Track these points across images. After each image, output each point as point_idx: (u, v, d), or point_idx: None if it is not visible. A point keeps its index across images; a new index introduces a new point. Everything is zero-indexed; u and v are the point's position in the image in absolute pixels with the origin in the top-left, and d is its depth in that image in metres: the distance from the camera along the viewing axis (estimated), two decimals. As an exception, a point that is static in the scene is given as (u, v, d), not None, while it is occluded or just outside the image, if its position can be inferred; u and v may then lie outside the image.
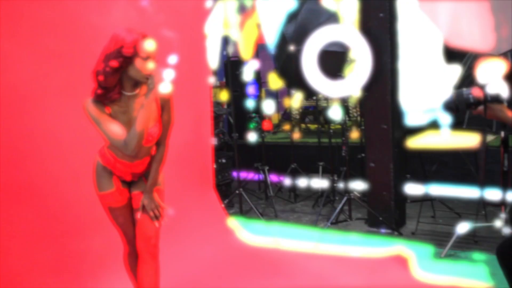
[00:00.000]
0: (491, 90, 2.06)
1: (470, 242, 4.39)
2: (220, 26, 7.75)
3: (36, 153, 3.33)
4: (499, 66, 2.08)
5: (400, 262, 4.04)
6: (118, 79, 2.63)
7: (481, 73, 2.09)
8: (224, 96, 7.93)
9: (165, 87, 2.70)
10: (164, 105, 2.77)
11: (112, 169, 2.85)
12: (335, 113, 8.14)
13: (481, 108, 2.08)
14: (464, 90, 2.13)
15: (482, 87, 2.08)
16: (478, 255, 4.13)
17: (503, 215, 4.12)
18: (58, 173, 3.44)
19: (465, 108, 2.14)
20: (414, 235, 4.68)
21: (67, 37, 3.47)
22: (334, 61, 5.02)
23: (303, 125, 8.16)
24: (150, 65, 2.61)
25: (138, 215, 2.87)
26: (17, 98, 3.23)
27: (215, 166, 5.72)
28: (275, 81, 7.67)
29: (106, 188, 2.85)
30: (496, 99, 2.05)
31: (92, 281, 3.49)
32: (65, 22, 3.46)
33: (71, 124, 3.45)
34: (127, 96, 2.69)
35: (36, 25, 3.30)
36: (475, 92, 2.08)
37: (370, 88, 4.83)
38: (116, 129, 2.63)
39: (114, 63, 2.55)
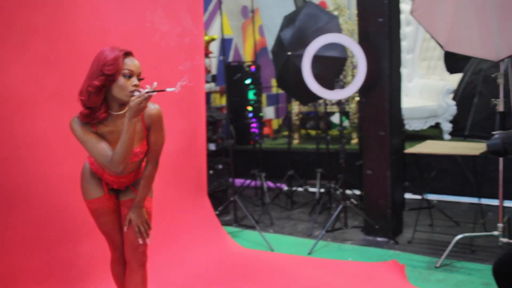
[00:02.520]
0: None
1: (466, 252, 4.31)
2: (221, 30, 7.72)
3: (25, 159, 3.28)
4: None
5: (396, 271, 3.96)
6: (103, 99, 2.55)
7: None
8: (223, 101, 7.91)
9: (152, 106, 2.64)
10: (151, 125, 2.67)
11: (100, 176, 2.80)
12: (336, 119, 8.12)
13: None
14: None
15: None
16: (474, 265, 4.04)
17: (501, 225, 4.05)
18: (48, 179, 3.39)
19: None
20: (410, 244, 4.60)
21: (58, 42, 3.42)
22: (331, 66, 4.94)
23: (303, 131, 8.10)
24: (133, 83, 2.52)
25: (125, 228, 2.81)
26: (7, 103, 3.18)
27: (211, 172, 5.67)
28: (276, 86, 7.63)
29: (95, 194, 2.79)
30: None
31: (79, 287, 3.43)
32: (56, 27, 3.41)
33: (62, 130, 3.38)
34: (114, 116, 2.61)
35: (26, 30, 3.25)
36: None
37: (368, 94, 4.77)
38: (101, 150, 2.56)
39: (96, 82, 2.48)
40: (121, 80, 2.50)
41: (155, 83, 2.44)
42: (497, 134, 2.03)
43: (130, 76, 2.52)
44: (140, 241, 2.80)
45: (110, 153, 2.55)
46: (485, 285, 3.67)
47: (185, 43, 4.38)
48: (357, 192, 5.92)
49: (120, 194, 2.89)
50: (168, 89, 2.42)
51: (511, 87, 4.01)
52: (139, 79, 2.55)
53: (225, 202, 5.62)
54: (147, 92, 2.41)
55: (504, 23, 3.70)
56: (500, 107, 3.94)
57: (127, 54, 2.55)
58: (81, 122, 2.57)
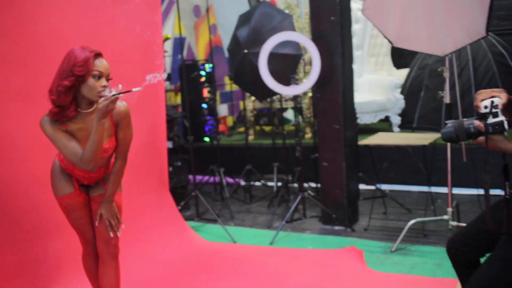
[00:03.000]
0: (491, 121, 2.11)
1: (419, 236, 4.56)
2: (174, 29, 7.82)
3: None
4: (499, 97, 2.14)
5: (354, 256, 4.16)
6: (72, 97, 2.64)
7: (482, 104, 2.14)
8: (178, 99, 8.00)
9: (120, 104, 2.74)
10: (119, 121, 2.78)
11: (70, 173, 2.88)
12: (289, 115, 8.32)
13: (481, 138, 2.14)
14: (465, 120, 2.18)
15: (482, 118, 2.14)
16: (427, 248, 4.29)
17: (450, 209, 4.30)
18: (16, 178, 3.43)
19: (466, 138, 2.19)
20: (366, 231, 4.83)
21: (21, 41, 3.47)
22: (287, 63, 5.12)
23: (257, 127, 8.27)
24: (102, 84, 2.61)
25: (96, 222, 2.92)
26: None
27: (170, 169, 5.76)
28: (230, 84, 7.77)
29: (66, 190, 2.88)
30: (497, 130, 2.12)
31: (50, 283, 3.49)
32: (20, 28, 3.46)
33: (27, 129, 3.45)
34: (83, 113, 2.71)
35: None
36: (476, 123, 2.14)
37: (322, 89, 4.97)
38: (71, 148, 2.65)
39: (66, 82, 2.56)
40: (90, 80, 2.60)
41: (120, 86, 2.55)
42: (449, 122, 2.22)
43: (99, 77, 2.61)
44: (111, 235, 2.91)
45: (80, 151, 2.65)
46: (438, 265, 3.91)
47: (145, 43, 4.49)
48: (313, 184, 6.12)
49: (90, 189, 2.98)
50: (134, 89, 2.53)
51: (456, 80, 4.27)
52: (108, 79, 2.65)
53: (185, 197, 5.74)
54: (113, 95, 2.52)
55: (449, 20, 3.95)
56: (447, 99, 4.19)
57: (97, 55, 2.64)
58: (51, 120, 2.66)
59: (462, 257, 2.49)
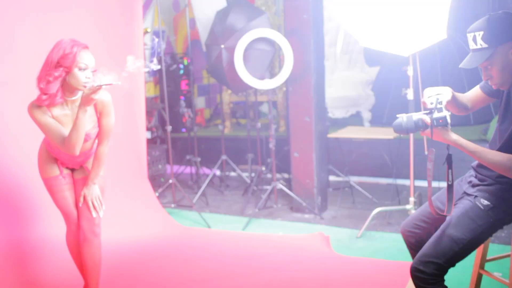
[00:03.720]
0: (436, 115, 2.36)
1: (383, 224, 4.85)
2: (154, 22, 8.00)
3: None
4: (444, 93, 2.43)
5: (322, 241, 4.43)
6: (59, 86, 2.87)
7: (428, 100, 2.43)
8: (156, 91, 8.20)
9: (104, 93, 2.98)
10: (102, 109, 3.02)
11: (56, 157, 3.11)
12: (264, 109, 8.57)
13: (428, 131, 2.42)
14: (414, 114, 2.45)
15: (429, 113, 2.41)
16: (389, 235, 4.58)
17: (412, 199, 4.59)
18: (1, 162, 3.64)
19: (414, 131, 2.46)
20: (334, 219, 5.11)
21: (5, 34, 3.67)
22: (261, 58, 5.36)
23: (233, 120, 8.49)
24: (87, 75, 2.86)
25: (80, 203, 3.15)
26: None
27: (148, 158, 5.98)
28: (207, 77, 7.99)
29: (52, 173, 3.12)
30: (441, 124, 2.37)
31: (33, 263, 3.70)
32: (3, 20, 3.66)
33: (11, 115, 3.66)
34: (68, 101, 2.96)
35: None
36: (423, 117, 2.41)
37: (295, 84, 5.22)
38: (57, 133, 2.90)
39: (53, 72, 2.81)
40: (76, 72, 2.85)
41: (102, 76, 2.78)
42: (400, 116, 2.50)
43: (84, 69, 2.87)
44: (94, 215, 3.14)
45: (64, 136, 2.90)
46: (399, 250, 4.19)
47: (125, 36, 4.69)
48: (285, 175, 6.38)
49: (75, 173, 3.23)
50: (114, 82, 2.78)
51: (419, 78, 4.55)
52: (92, 71, 2.90)
53: (163, 186, 5.97)
54: (97, 85, 2.76)
55: (411, 23, 4.22)
56: (410, 96, 4.48)
57: (84, 48, 2.89)
58: (38, 106, 2.90)
59: (414, 238, 2.76)
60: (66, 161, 3.13)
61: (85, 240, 3.19)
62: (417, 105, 4.79)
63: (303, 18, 5.09)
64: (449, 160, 2.46)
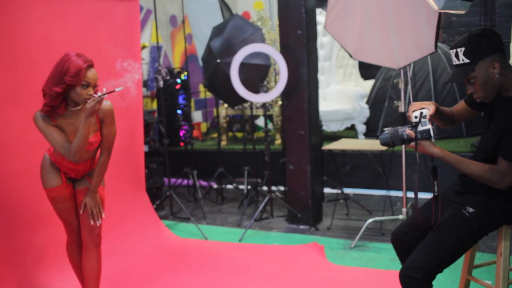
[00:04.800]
0: (420, 129, 2.48)
1: (377, 234, 4.94)
2: (151, 38, 8.13)
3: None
4: (428, 108, 2.55)
5: (316, 251, 4.51)
6: (62, 98, 3.00)
7: (413, 115, 2.55)
8: (154, 105, 8.30)
9: (106, 104, 3.11)
10: (104, 119, 3.14)
11: (59, 166, 3.20)
12: (260, 122, 8.68)
13: (413, 144, 2.54)
14: (399, 128, 2.57)
15: (413, 126, 2.53)
16: (383, 245, 4.67)
17: (404, 209, 4.68)
18: (3, 173, 3.72)
19: (400, 144, 2.58)
20: (329, 230, 5.19)
21: (10, 48, 3.77)
22: (256, 73, 5.47)
23: (230, 133, 8.59)
24: (89, 92, 2.97)
25: (81, 211, 3.24)
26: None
27: (146, 171, 6.07)
28: (204, 91, 8.10)
29: (54, 183, 3.21)
30: (425, 137, 2.49)
31: (33, 271, 3.77)
32: (9, 35, 3.76)
33: (12, 129, 3.76)
34: (72, 111, 3.08)
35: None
36: (408, 131, 2.53)
37: (289, 97, 5.33)
38: (61, 141, 3.02)
39: (57, 88, 2.93)
40: (79, 89, 2.97)
41: (104, 89, 2.94)
42: (386, 130, 2.62)
43: (87, 86, 2.98)
44: (92, 223, 3.23)
45: (68, 144, 3.03)
46: (392, 260, 4.28)
47: (124, 50, 4.78)
48: (281, 187, 6.47)
49: (76, 183, 3.32)
50: (117, 89, 2.93)
51: (410, 91, 4.67)
52: (94, 87, 3.02)
53: (160, 198, 6.05)
54: (99, 96, 2.91)
55: (401, 36, 4.34)
56: (401, 108, 4.59)
57: (89, 66, 3.00)
58: (42, 116, 3.03)
59: (403, 245, 2.86)
60: (69, 170, 3.23)
61: (86, 250, 3.29)
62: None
63: (297, 33, 5.21)
64: (434, 171, 2.57)
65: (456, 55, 2.49)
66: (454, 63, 2.52)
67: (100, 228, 3.29)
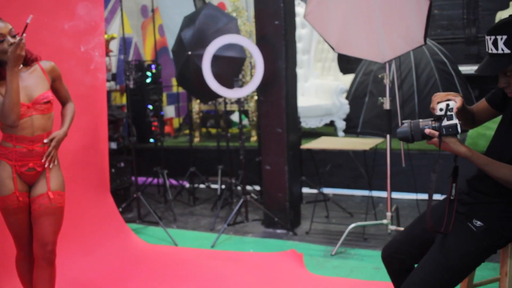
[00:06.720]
0: (446, 123, 2.14)
1: (359, 240, 4.63)
2: (121, 28, 7.70)
3: None
4: (455, 100, 2.18)
5: (294, 259, 4.19)
6: None
7: (437, 107, 2.18)
8: (123, 100, 7.90)
9: (47, 63, 2.96)
10: (52, 75, 2.96)
11: (11, 160, 2.80)
12: (235, 118, 8.33)
13: (435, 140, 2.16)
14: (421, 121, 2.20)
15: (437, 120, 2.17)
16: (366, 252, 4.35)
17: (389, 214, 4.38)
18: None
19: (420, 139, 2.22)
20: (308, 234, 4.87)
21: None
22: (230, 66, 5.13)
23: (204, 129, 8.24)
24: (9, 43, 2.72)
25: (44, 159, 2.90)
26: None
27: (113, 170, 5.68)
28: (177, 85, 7.72)
29: (5, 191, 2.82)
30: (451, 133, 2.14)
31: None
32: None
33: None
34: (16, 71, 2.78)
35: None
36: (431, 124, 2.17)
37: (265, 92, 4.98)
38: None
39: None
40: None
41: (24, 34, 2.70)
42: (406, 122, 2.24)
43: (3, 40, 2.72)
44: (43, 160, 2.88)
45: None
46: (376, 269, 3.97)
47: (87, 40, 4.41)
48: (257, 187, 6.13)
49: (32, 189, 2.92)
50: (28, 20, 2.69)
51: (396, 87, 4.35)
52: (14, 36, 2.75)
53: (128, 199, 5.67)
54: (19, 40, 2.67)
55: (388, 29, 4.03)
56: (386, 105, 4.27)
57: None
58: None
59: (397, 264, 2.53)
60: (25, 158, 2.84)
61: (37, 267, 2.90)
62: (394, 115, 4.59)
63: (275, 24, 4.86)
64: (455, 172, 2.23)
65: (495, 43, 2.11)
66: (490, 52, 2.15)
67: (54, 244, 2.91)
